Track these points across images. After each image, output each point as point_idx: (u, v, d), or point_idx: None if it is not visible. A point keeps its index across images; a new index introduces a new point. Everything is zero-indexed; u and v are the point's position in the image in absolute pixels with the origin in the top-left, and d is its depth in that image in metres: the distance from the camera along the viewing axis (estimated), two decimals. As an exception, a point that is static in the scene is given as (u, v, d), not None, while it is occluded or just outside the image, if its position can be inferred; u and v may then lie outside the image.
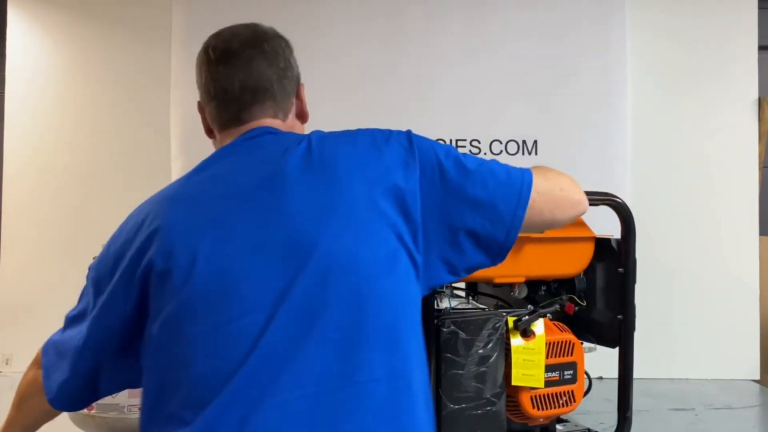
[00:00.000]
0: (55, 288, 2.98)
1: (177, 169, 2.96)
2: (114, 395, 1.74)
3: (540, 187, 1.21)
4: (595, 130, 3.05)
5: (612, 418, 1.92)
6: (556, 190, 1.23)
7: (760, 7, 3.12)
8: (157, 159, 3.10)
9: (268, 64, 1.24)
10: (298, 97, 1.30)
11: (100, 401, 1.57)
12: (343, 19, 3.04)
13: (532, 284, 1.95)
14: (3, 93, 3.13)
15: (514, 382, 1.68)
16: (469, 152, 3.05)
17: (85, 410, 1.86)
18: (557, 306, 1.89)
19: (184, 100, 2.92)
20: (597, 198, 1.88)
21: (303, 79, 1.30)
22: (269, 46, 1.26)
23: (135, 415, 1.88)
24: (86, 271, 1.20)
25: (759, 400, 2.74)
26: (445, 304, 1.91)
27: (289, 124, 1.28)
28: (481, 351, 1.66)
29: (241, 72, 1.22)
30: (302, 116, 1.32)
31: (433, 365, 1.60)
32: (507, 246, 1.20)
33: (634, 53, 3.07)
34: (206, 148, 1.31)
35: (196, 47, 1.30)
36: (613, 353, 1.88)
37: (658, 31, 3.11)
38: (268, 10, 3.02)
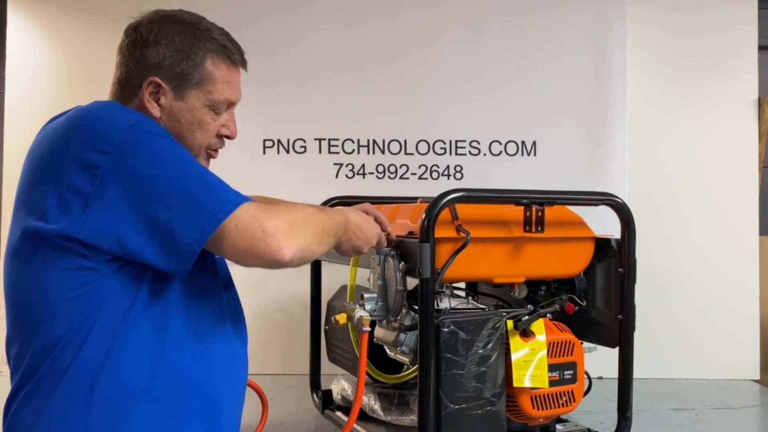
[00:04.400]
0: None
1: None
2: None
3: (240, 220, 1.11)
4: (594, 131, 3.04)
5: (612, 418, 1.92)
6: (257, 230, 1.12)
7: (760, 7, 3.11)
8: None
9: (127, 46, 1.29)
10: (142, 89, 1.27)
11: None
12: (341, 20, 3.03)
13: (532, 284, 1.95)
14: (3, 93, 3.13)
15: (515, 384, 1.68)
16: (468, 153, 3.06)
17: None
18: (557, 306, 1.90)
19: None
20: (597, 198, 1.89)
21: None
22: (139, 29, 1.29)
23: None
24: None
25: (759, 400, 2.73)
26: (445, 304, 1.91)
27: None
28: (481, 351, 1.66)
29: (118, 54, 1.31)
30: (144, 111, 1.27)
31: (433, 365, 1.60)
32: None
33: (633, 53, 3.06)
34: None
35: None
36: (613, 353, 1.88)
37: (658, 31, 3.10)
38: (267, 9, 3.02)
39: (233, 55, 1.34)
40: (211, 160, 1.39)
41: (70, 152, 1.12)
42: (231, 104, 1.36)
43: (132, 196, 1.09)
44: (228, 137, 1.38)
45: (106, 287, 1.14)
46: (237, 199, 1.14)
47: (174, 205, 1.09)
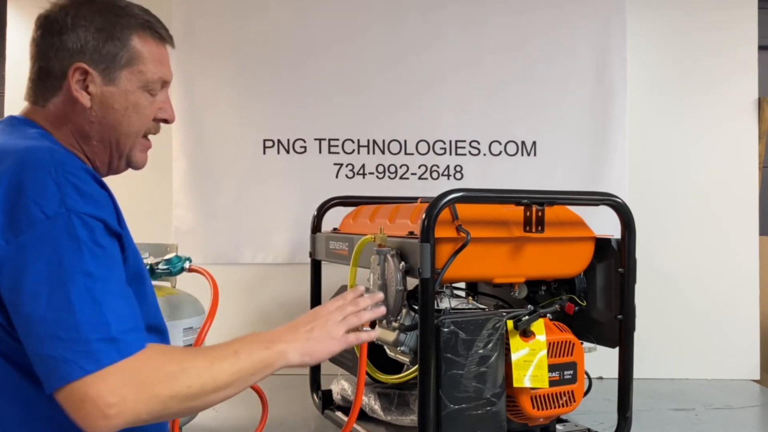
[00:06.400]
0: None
1: (178, 171, 2.95)
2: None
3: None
4: (594, 131, 3.04)
5: (612, 418, 1.93)
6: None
7: (760, 7, 3.11)
8: (157, 159, 3.08)
9: (42, 36, 1.16)
10: (67, 79, 1.14)
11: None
12: (343, 22, 3.04)
13: (532, 284, 1.95)
14: (3, 93, 3.13)
15: (515, 384, 1.68)
16: (468, 153, 3.06)
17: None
18: (557, 306, 1.90)
19: (184, 99, 2.92)
20: (597, 198, 1.89)
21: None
22: (52, 16, 1.15)
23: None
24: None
25: (759, 400, 2.73)
26: (445, 304, 1.91)
27: (51, 111, 1.18)
28: (481, 351, 1.66)
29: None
30: (73, 103, 1.15)
31: (433, 365, 1.61)
32: None
33: (633, 53, 3.06)
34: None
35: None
36: (613, 353, 1.88)
37: (658, 32, 3.10)
38: (267, 10, 3.01)
39: (159, 29, 1.22)
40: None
41: None
42: (165, 84, 1.25)
43: None
44: (166, 121, 1.27)
45: None
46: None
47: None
